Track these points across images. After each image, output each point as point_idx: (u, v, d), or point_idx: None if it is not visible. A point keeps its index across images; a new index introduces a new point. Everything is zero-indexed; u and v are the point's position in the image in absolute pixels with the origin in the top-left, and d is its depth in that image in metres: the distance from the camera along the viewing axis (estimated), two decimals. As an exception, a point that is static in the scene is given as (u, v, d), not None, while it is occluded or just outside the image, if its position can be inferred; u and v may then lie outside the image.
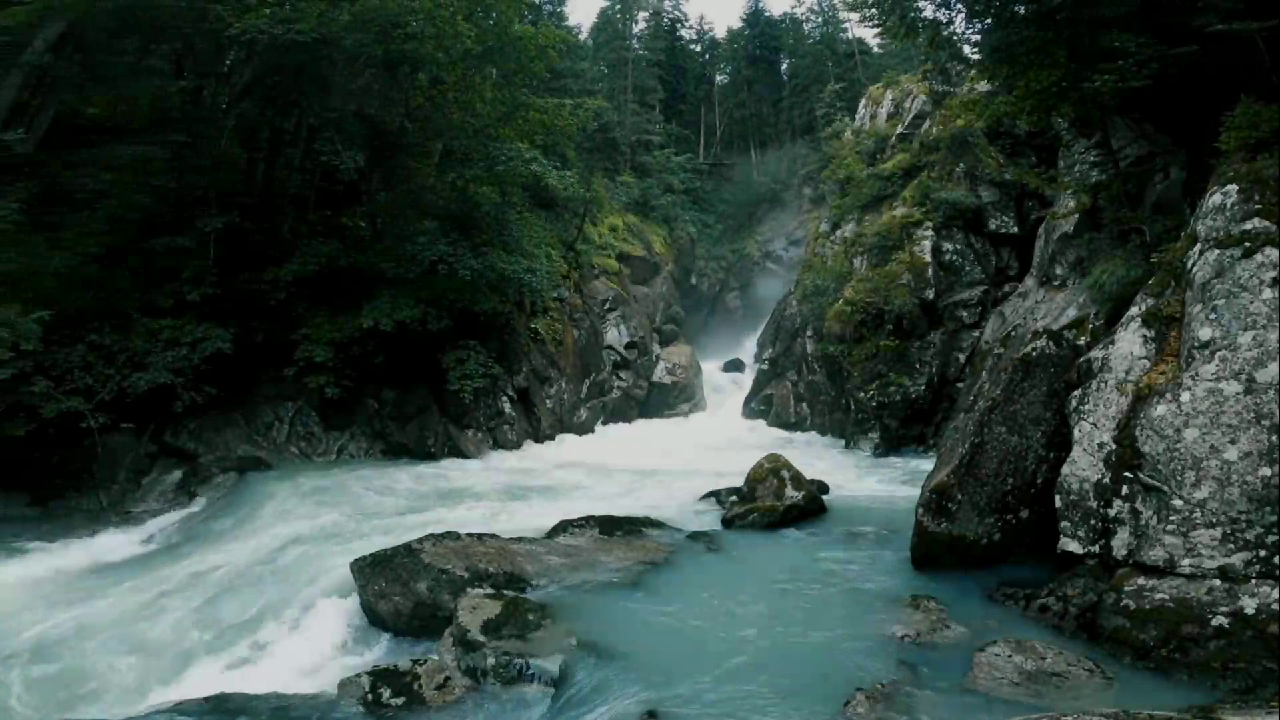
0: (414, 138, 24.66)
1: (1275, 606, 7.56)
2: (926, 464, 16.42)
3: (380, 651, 10.18)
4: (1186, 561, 8.28)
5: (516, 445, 24.41)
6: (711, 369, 40.79)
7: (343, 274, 21.93)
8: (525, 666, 8.34)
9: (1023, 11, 15.17)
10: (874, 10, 19.03)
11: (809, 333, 30.42)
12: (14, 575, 13.00)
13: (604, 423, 31.14)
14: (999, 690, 7.50)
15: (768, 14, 72.87)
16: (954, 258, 26.85)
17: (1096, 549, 9.28)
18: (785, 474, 15.42)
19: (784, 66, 70.35)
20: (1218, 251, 9.13)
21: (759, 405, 33.63)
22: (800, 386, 31.18)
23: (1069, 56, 14.20)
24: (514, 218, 25.95)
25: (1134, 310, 10.49)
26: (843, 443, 26.03)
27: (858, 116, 40.83)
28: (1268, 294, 8.57)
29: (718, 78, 75.26)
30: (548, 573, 11.29)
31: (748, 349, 42.22)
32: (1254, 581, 7.83)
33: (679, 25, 71.94)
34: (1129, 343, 10.00)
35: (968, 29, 17.71)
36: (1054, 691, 7.44)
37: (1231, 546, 8.06)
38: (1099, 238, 17.31)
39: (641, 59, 60.25)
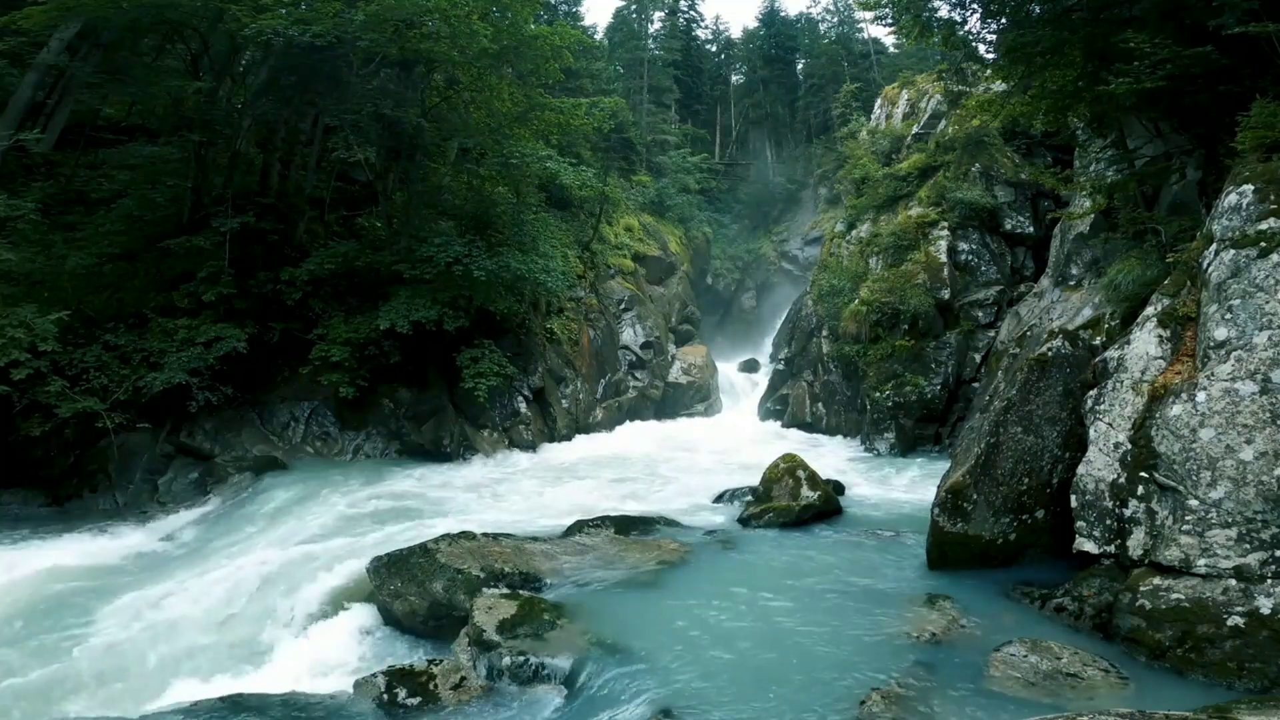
0: (430, 138, 24.62)
1: (1292, 607, 7.56)
2: (942, 464, 16.39)
3: (396, 651, 10.23)
4: (1202, 562, 8.27)
5: (532, 445, 24.38)
6: (727, 369, 40.54)
7: (359, 274, 21.99)
8: (541, 666, 8.39)
9: (1038, 11, 15.16)
10: (888, 10, 19.00)
11: (824, 333, 30.24)
12: (28, 573, 13.02)
13: (620, 423, 31.02)
14: (1015, 690, 7.51)
15: (783, 14, 72.69)
16: (969, 258, 26.80)
17: (1112, 549, 9.27)
18: (801, 474, 15.41)
19: (799, 66, 69.97)
20: (1234, 251, 9.11)
21: (774, 405, 33.46)
22: (816, 387, 31.03)
23: (1085, 56, 14.19)
24: (530, 218, 25.89)
25: (1150, 310, 10.47)
26: (858, 443, 25.94)
27: (873, 116, 40.71)
28: (1284, 294, 8.55)
29: (733, 78, 75.20)
30: (563, 572, 11.32)
31: (763, 349, 42.15)
32: (1270, 581, 7.81)
33: (695, 25, 71.72)
34: (1145, 343, 9.98)
35: (983, 29, 17.70)
36: (1070, 691, 7.44)
37: (1247, 546, 8.04)
38: (1115, 238, 17.25)
39: (657, 59, 60.24)
